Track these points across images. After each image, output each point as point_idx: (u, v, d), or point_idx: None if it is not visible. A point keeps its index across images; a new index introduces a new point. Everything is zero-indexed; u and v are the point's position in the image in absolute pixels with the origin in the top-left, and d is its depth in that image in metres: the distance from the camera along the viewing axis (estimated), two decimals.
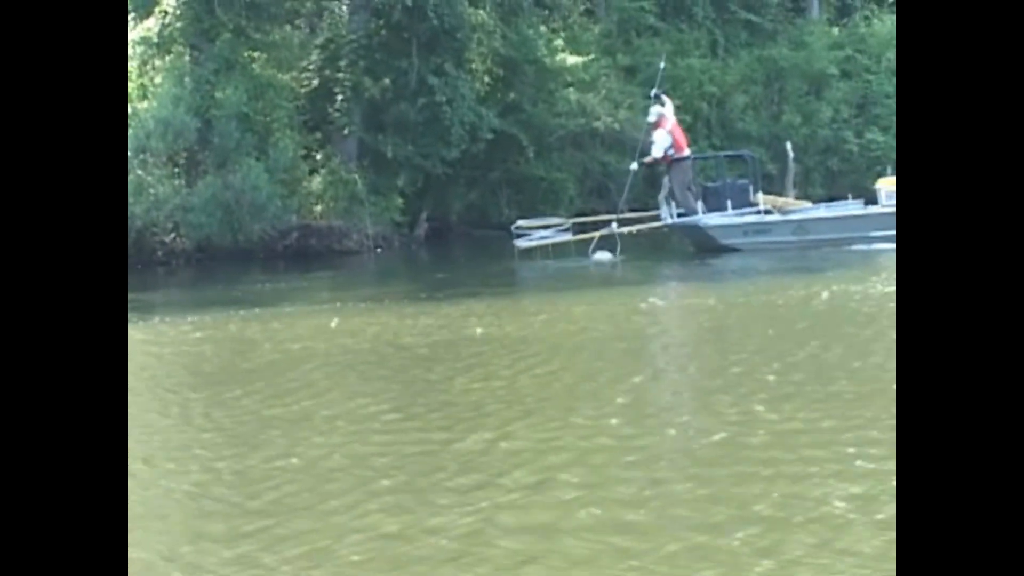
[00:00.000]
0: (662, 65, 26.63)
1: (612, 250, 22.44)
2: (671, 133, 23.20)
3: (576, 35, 33.85)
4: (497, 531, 6.34)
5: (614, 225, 22.81)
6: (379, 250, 27.34)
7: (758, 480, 6.91)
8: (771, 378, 10.06)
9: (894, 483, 6.69)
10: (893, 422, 8.17)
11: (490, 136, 28.93)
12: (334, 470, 7.77)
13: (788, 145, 27.90)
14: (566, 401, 9.76)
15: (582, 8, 35.03)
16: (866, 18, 40.43)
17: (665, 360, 11.91)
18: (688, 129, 28.14)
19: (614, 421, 8.74)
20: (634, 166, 23.49)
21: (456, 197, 30.67)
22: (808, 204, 24.97)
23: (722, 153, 24.90)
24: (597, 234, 22.69)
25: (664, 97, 24.12)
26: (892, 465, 6.99)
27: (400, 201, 28.37)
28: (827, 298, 15.22)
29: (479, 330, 13.96)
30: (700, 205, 22.97)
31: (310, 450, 8.36)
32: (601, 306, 16.21)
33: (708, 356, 12.11)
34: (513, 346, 12.78)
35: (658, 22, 35.77)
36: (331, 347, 13.60)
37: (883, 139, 35.34)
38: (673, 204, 22.93)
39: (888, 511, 6.19)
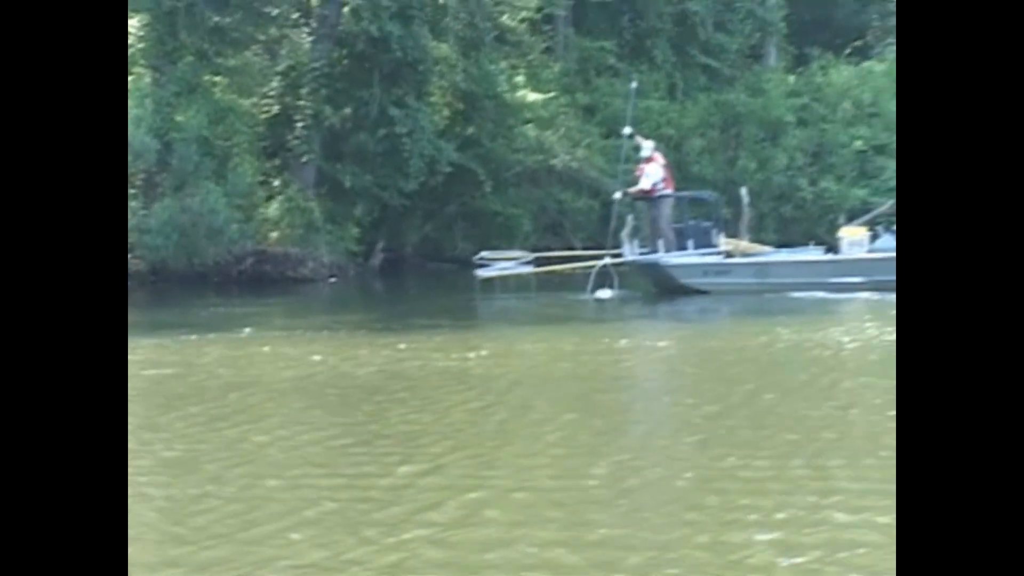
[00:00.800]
0: (633, 85, 26.44)
1: (610, 285, 22.20)
2: (664, 169, 23.15)
3: (536, 72, 33.95)
4: (420, 564, 6.30)
5: (607, 259, 22.55)
6: (334, 279, 27.28)
7: (682, 524, 6.89)
8: (710, 421, 10.07)
9: (816, 530, 6.73)
10: (822, 469, 8.24)
11: (448, 169, 28.95)
12: (263, 498, 7.70)
13: (743, 190, 28.07)
14: (500, 437, 9.73)
15: (543, 46, 35.13)
16: (822, 67, 40.76)
17: (606, 400, 11.87)
18: None
19: (545, 459, 8.72)
20: (617, 195, 23.33)
21: (412, 229, 30.66)
22: (768, 249, 25.01)
23: (685, 193, 24.83)
24: (594, 271, 22.42)
25: (640, 139, 23.96)
26: (817, 514, 7.03)
27: (356, 231, 28.33)
28: (782, 344, 15.25)
29: (423, 362, 13.93)
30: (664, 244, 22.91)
31: (241, 477, 8.29)
32: (550, 343, 16.17)
33: (652, 397, 12.12)
34: (456, 380, 12.74)
35: (618, 63, 35.97)
36: (277, 374, 13.54)
37: (836, 188, 35.63)
38: (636, 242, 22.82)
39: (809, 555, 6.19)
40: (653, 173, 22.76)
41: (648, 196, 22.81)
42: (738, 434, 9.47)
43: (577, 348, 15.45)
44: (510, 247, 27.53)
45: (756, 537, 6.57)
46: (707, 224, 23.75)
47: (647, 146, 23.38)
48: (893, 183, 35.84)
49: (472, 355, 14.74)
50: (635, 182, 23.17)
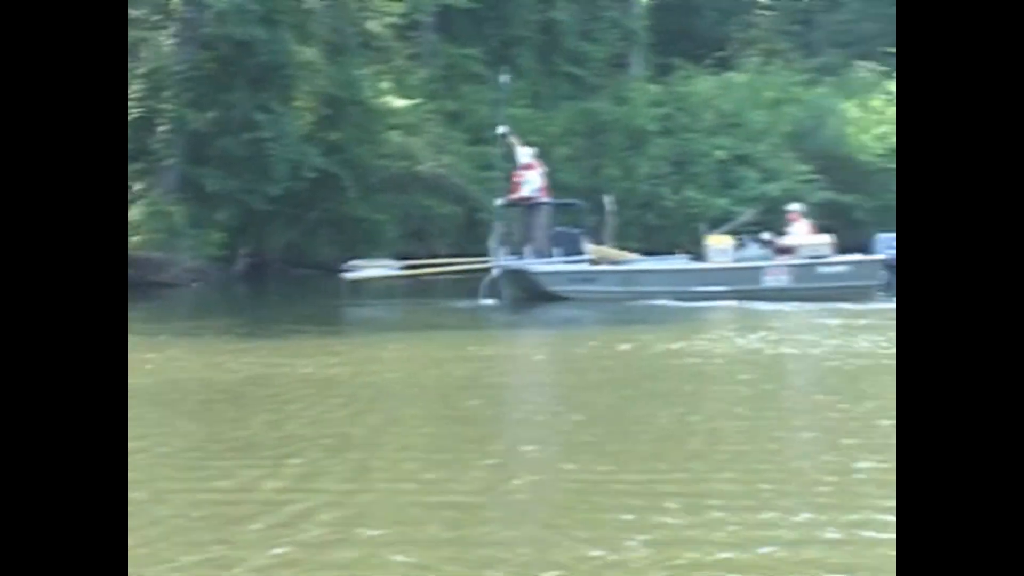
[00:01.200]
0: (505, 79, 26.47)
1: (497, 295, 22.11)
2: (542, 177, 23.23)
3: (402, 78, 33.93)
4: (294, 573, 6.25)
5: (495, 271, 22.35)
6: (196, 284, 26.95)
7: (557, 530, 6.94)
8: (578, 429, 10.16)
9: (686, 534, 6.84)
10: (682, 474, 8.37)
11: (313, 175, 28.77)
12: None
13: (608, 198, 28.38)
14: (370, 443, 9.70)
15: (409, 52, 35.14)
16: (685, 77, 41.38)
17: (474, 408, 11.89)
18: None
19: (415, 464, 8.72)
20: (499, 202, 23.33)
21: (276, 234, 30.41)
22: (635, 256, 25.27)
23: (555, 201, 24.96)
24: (486, 278, 22.25)
25: (515, 139, 23.98)
26: (684, 518, 7.13)
27: (220, 235, 28.01)
28: (647, 352, 15.41)
29: (288, 368, 13.82)
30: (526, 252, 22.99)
31: None
32: (417, 350, 16.18)
33: (519, 405, 12.16)
34: (322, 387, 12.66)
35: (484, 70, 36.10)
36: (138, 380, 13.31)
37: (699, 196, 36.18)
38: (504, 249, 22.78)
39: (683, 558, 6.29)
40: (532, 180, 22.88)
41: (526, 203, 22.91)
42: (606, 442, 9.56)
43: (444, 355, 15.43)
44: (374, 253, 27.38)
45: (628, 543, 6.65)
46: (576, 231, 23.86)
47: (526, 152, 23.48)
48: (754, 192, 36.58)
49: (337, 361, 14.67)
50: (511, 188, 23.26)
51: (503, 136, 24.19)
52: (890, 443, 9.35)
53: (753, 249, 23.40)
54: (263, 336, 17.46)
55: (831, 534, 6.80)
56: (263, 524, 7.08)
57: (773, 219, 33.60)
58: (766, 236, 24.07)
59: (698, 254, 24.33)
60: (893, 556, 6.17)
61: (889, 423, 9.90)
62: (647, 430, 10.02)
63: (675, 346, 15.66)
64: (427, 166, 31.51)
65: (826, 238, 23.69)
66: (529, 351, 16.81)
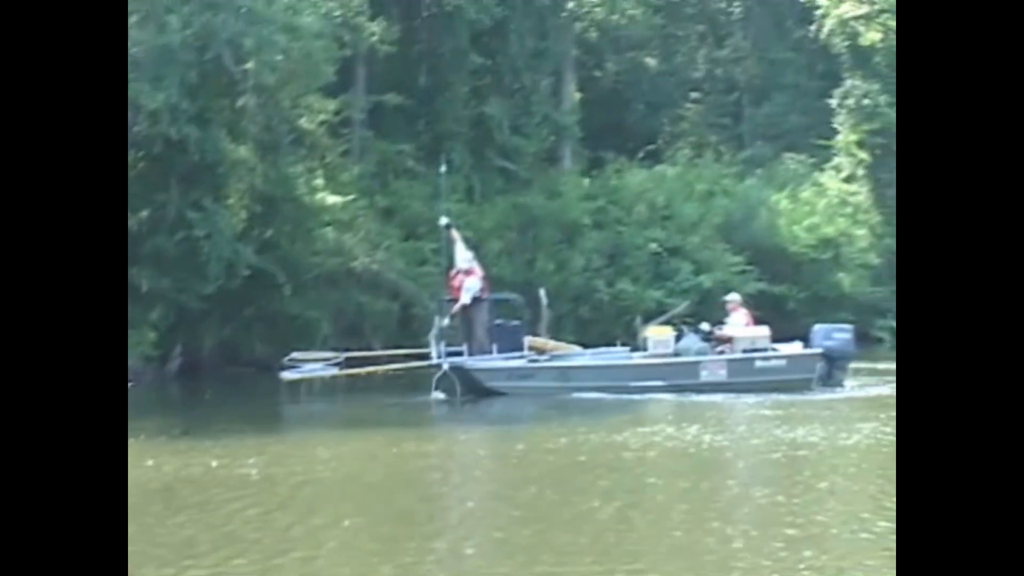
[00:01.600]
0: (443, 169, 26.91)
1: (450, 391, 22.27)
2: (482, 280, 23.44)
3: (335, 175, 34.11)
4: None
5: (445, 366, 22.49)
6: (131, 384, 26.73)
7: None
8: (503, 524, 10.33)
9: None
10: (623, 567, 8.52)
11: (247, 272, 28.78)
12: None
13: (542, 291, 28.68)
14: (279, 542, 9.76)
15: (341, 149, 35.36)
16: (617, 171, 41.92)
17: (413, 505, 11.97)
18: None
19: (323, 562, 8.85)
20: (446, 321, 23.36)
21: (209, 332, 30.31)
22: (576, 348, 25.46)
23: (493, 296, 25.11)
24: (438, 374, 22.46)
25: (456, 236, 24.23)
26: None
27: (153, 335, 27.88)
28: (586, 446, 15.56)
29: (220, 469, 13.85)
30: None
31: None
32: (358, 446, 16.24)
33: (456, 501, 12.24)
34: (242, 485, 12.73)
35: (417, 165, 36.41)
36: None
37: (633, 289, 36.53)
38: (443, 344, 23.02)
39: None
40: (472, 286, 23.09)
41: (457, 308, 23.11)
42: (527, 537, 9.71)
43: (386, 452, 15.54)
44: (308, 349, 27.32)
45: None
46: (515, 324, 24.15)
47: (466, 257, 23.69)
48: (687, 285, 37.03)
49: (275, 460, 14.71)
50: (449, 287, 23.46)
51: (446, 227, 24.41)
52: (828, 533, 9.59)
53: (693, 340, 23.71)
54: (199, 436, 17.43)
55: None
56: None
57: (706, 310, 34.07)
58: (705, 327, 24.38)
59: (637, 346, 24.62)
60: None
61: (826, 516, 10.16)
62: (586, 525, 10.17)
63: (614, 439, 15.84)
64: (361, 262, 31.63)
65: (764, 330, 24.04)
66: (470, 447, 16.97)
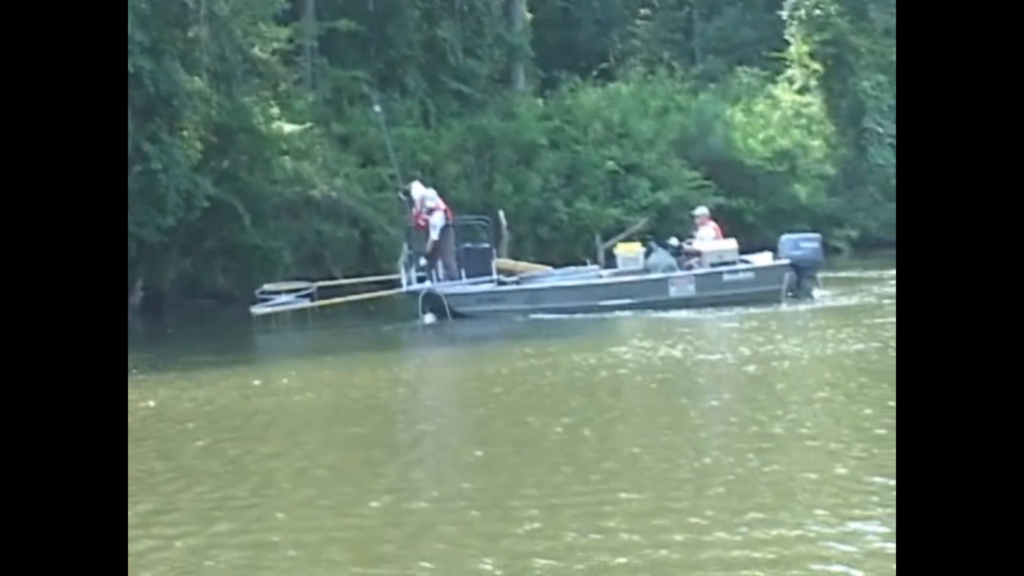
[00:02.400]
0: (377, 109, 26.91)
1: (439, 311, 22.63)
2: (445, 212, 23.42)
3: (290, 103, 33.92)
4: None
5: (424, 288, 22.88)
6: None
7: (463, 552, 7.14)
8: (471, 450, 10.44)
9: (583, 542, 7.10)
10: (581, 487, 8.61)
11: (205, 204, 28.64)
12: None
13: (501, 213, 28.69)
14: (270, 471, 9.85)
15: (295, 77, 35.14)
16: (571, 90, 41.89)
17: (364, 430, 12.01)
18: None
19: (287, 485, 9.07)
20: (423, 261, 23.36)
21: (170, 265, 30.18)
22: (547, 269, 25.52)
23: (460, 222, 25.11)
24: (420, 297, 22.82)
25: (419, 186, 24.15)
26: (611, 535, 7.35)
27: None
28: (561, 367, 15.63)
29: (152, 403, 13.88)
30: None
31: None
32: (312, 375, 16.23)
33: (423, 427, 12.23)
34: (248, 416, 12.76)
35: (371, 91, 36.24)
36: None
37: (591, 208, 36.62)
38: (413, 270, 23.14)
39: (584, 565, 6.53)
40: (437, 222, 23.09)
41: (430, 247, 23.13)
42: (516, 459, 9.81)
43: (344, 380, 15.54)
44: (270, 280, 27.25)
45: (538, 562, 6.84)
46: (486, 247, 24.26)
47: (429, 195, 23.69)
48: (645, 201, 37.17)
49: (242, 390, 14.76)
50: (416, 228, 23.43)
51: (406, 194, 24.28)
52: (786, 444, 9.73)
53: (662, 255, 23.73)
54: (176, 370, 17.37)
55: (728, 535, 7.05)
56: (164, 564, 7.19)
57: (665, 226, 34.27)
58: (674, 242, 24.44)
59: (607, 264, 24.75)
60: (784, 551, 6.53)
61: (784, 428, 10.32)
62: (555, 445, 10.28)
63: (584, 359, 15.92)
64: (320, 190, 31.53)
65: (732, 243, 24.03)
66: (435, 371, 17.05)
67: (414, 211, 23.59)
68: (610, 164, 37.88)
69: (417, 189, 23.91)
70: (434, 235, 23.12)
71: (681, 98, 42.61)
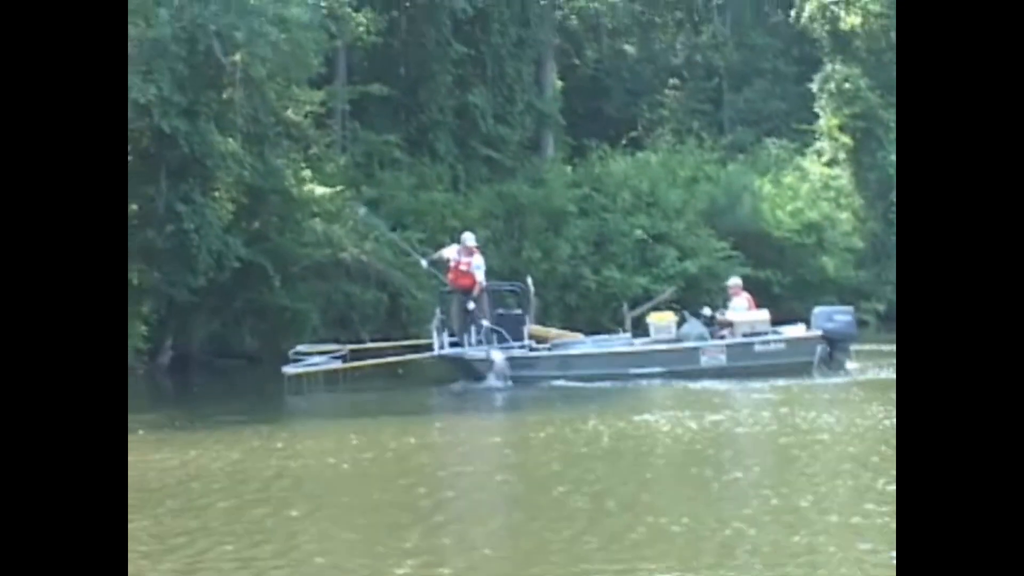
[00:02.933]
0: (361, 211, 27.36)
1: (469, 376, 22.91)
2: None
3: (321, 166, 34.20)
4: None
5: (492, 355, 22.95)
6: None
7: None
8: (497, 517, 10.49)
9: None
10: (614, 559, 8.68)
11: (236, 265, 28.84)
12: None
13: (529, 280, 28.79)
14: (254, 535, 9.94)
15: (327, 140, 35.46)
16: (600, 158, 42.13)
17: (390, 495, 12.03)
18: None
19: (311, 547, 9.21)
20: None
21: (199, 325, 30.37)
22: (579, 336, 25.59)
23: (499, 285, 25.48)
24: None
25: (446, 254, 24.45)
26: None
27: (144, 328, 27.90)
28: (586, 434, 15.71)
29: (219, 463, 13.95)
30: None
31: None
32: (341, 437, 16.27)
33: (411, 491, 12.24)
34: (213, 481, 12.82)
35: (403, 156, 36.55)
36: None
37: (619, 276, 36.73)
38: (445, 334, 23.23)
39: None
40: (480, 264, 23.35)
41: (471, 289, 23.23)
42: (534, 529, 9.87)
43: (390, 442, 15.61)
44: (298, 341, 27.30)
45: None
46: (519, 313, 24.31)
47: (469, 237, 23.90)
48: (672, 271, 37.24)
49: (274, 452, 14.82)
50: (454, 276, 23.56)
51: (431, 264, 24.62)
52: (809, 517, 9.76)
53: (695, 325, 23.81)
54: (205, 429, 17.47)
55: None
56: None
57: (692, 296, 34.34)
58: (707, 312, 24.53)
59: (635, 332, 24.85)
60: None
61: (809, 501, 10.35)
62: (581, 513, 10.34)
63: (612, 427, 15.98)
64: (349, 253, 31.70)
65: (764, 314, 24.11)
66: (469, 436, 17.08)
67: (452, 264, 23.74)
68: (638, 233, 37.98)
69: (450, 250, 24.12)
70: (480, 276, 23.38)
71: (710, 168, 42.77)
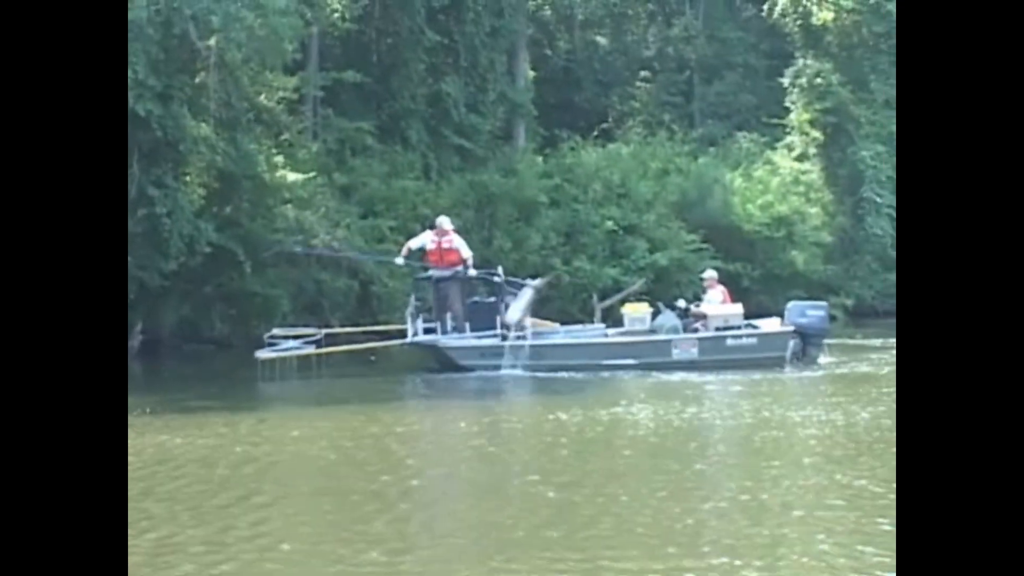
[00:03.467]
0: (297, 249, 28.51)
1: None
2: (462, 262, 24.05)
3: (294, 152, 34.12)
4: None
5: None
6: None
7: None
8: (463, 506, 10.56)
9: None
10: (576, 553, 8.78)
11: (207, 250, 28.75)
12: None
13: (499, 269, 28.82)
14: (221, 520, 10.05)
15: (300, 126, 35.38)
16: (572, 149, 42.16)
17: (357, 482, 12.08)
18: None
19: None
20: (472, 271, 23.98)
21: (169, 310, 30.31)
22: (556, 325, 25.69)
23: (476, 273, 25.23)
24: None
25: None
26: None
27: None
28: (563, 424, 15.79)
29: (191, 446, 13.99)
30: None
31: None
32: (312, 424, 16.33)
33: (361, 480, 12.31)
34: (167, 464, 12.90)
35: (375, 143, 36.51)
36: None
37: (589, 267, 36.76)
38: (420, 320, 23.47)
39: None
40: (464, 242, 23.60)
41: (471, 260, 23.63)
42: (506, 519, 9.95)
43: (359, 429, 15.66)
44: (268, 327, 27.23)
45: None
46: (490, 301, 24.47)
47: (445, 220, 24.49)
48: (643, 263, 37.29)
49: (244, 437, 14.86)
50: (435, 257, 23.89)
51: (407, 257, 24.83)
52: (774, 510, 9.86)
53: (669, 317, 23.96)
54: (171, 412, 17.49)
55: None
56: None
57: (662, 288, 34.43)
58: (681, 304, 24.67)
59: (609, 323, 25.01)
60: None
61: (774, 494, 10.44)
62: (548, 503, 10.43)
63: (583, 418, 16.06)
64: (321, 240, 31.64)
65: (738, 307, 24.27)
66: (439, 425, 17.15)
67: (432, 247, 24.11)
68: (609, 224, 38.00)
69: (422, 236, 24.37)
70: (465, 252, 23.96)
71: (681, 161, 42.82)
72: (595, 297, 33.32)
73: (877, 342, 27.08)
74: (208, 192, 29.72)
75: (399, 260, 25.20)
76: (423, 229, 33.29)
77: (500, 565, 8.27)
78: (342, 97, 37.15)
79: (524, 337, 23.53)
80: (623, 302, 27.66)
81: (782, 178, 43.14)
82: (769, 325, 23.83)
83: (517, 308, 24.09)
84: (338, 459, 13.43)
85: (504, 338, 23.56)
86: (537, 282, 25.77)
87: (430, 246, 24.20)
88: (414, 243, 24.62)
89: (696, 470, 12.43)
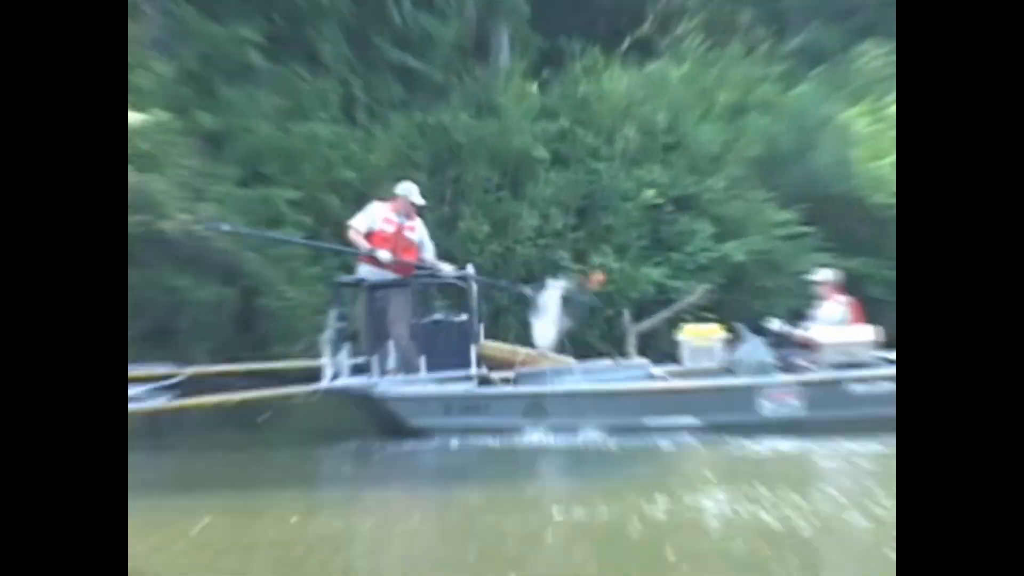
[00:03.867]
0: (224, 227, 27.16)
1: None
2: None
3: (132, 78, 33.93)
4: None
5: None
6: None
7: None
8: None
9: None
10: None
11: None
12: None
13: (470, 267, 28.71)
14: None
15: (143, 36, 35.30)
16: (587, 71, 42.17)
17: None
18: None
19: None
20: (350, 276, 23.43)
21: None
22: (570, 360, 24.59)
23: (429, 277, 24.12)
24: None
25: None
26: None
27: None
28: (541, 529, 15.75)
29: None
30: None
31: None
32: (189, 525, 16.28)
33: None
34: None
35: (264, 62, 36.27)
36: None
37: (617, 265, 36.53)
38: (344, 353, 22.60)
39: None
40: (427, 235, 23.23)
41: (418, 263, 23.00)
42: None
43: (268, 534, 15.60)
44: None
45: None
46: (460, 320, 23.52)
47: (414, 189, 23.30)
48: (705, 258, 36.59)
49: None
50: (400, 248, 22.85)
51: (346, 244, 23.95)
52: None
53: (755, 346, 23.33)
54: None
55: None
56: None
57: (736, 300, 34.21)
58: (776, 325, 24.15)
59: (661, 357, 24.65)
60: None
61: None
62: None
63: (601, 517, 15.99)
64: (176, 222, 31.38)
65: (868, 331, 23.67)
66: (382, 524, 17.06)
67: (390, 229, 23.05)
68: (649, 194, 37.29)
69: (372, 211, 23.32)
70: (429, 251, 23.32)
71: (767, 90, 42.58)
72: (626, 314, 33.12)
73: None
74: None
75: (383, 255, 22.95)
76: (343, 203, 33.14)
77: None
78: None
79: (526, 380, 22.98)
80: (675, 323, 27.58)
81: None
82: None
83: (547, 325, 23.43)
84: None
85: (485, 381, 22.93)
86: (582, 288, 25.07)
87: (384, 228, 23.05)
88: (358, 221, 23.15)
89: None
